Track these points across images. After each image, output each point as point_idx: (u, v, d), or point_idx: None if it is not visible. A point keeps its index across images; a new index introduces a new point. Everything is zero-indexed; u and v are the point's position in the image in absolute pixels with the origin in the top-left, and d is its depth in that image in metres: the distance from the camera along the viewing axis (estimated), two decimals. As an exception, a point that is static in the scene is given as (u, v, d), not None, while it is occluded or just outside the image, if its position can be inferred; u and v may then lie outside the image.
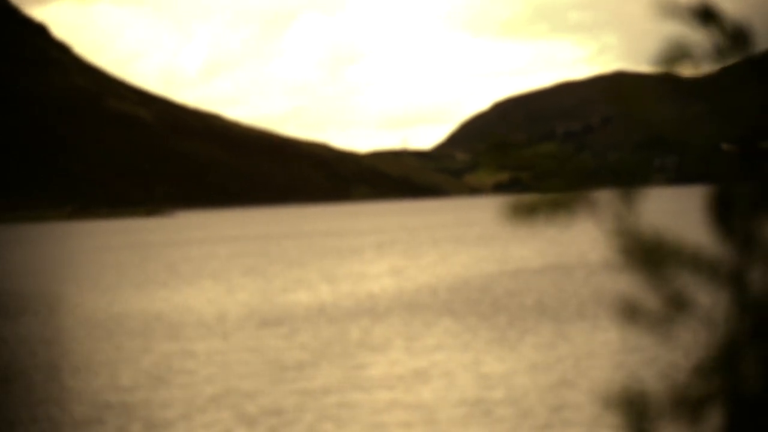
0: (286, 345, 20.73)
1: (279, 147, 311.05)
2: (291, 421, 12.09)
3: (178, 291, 36.36)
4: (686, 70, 1.95)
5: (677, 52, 1.93)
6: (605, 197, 2.04)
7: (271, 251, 64.88)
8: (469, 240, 66.11)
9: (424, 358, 17.48)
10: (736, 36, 1.91)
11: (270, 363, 17.64)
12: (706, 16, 1.92)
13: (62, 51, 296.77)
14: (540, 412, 11.42)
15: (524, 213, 2.02)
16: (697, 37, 1.92)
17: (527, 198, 2.03)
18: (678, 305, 2.05)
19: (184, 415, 12.88)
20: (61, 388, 16.30)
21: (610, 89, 2.01)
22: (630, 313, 2.10)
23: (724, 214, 1.97)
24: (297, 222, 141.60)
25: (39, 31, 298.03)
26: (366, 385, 14.99)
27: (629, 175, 2.02)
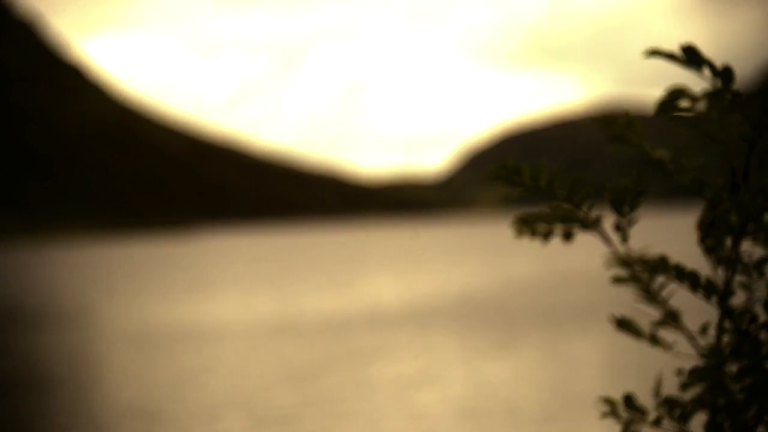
0: (299, 354, 20.72)
1: (296, 171, 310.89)
2: (300, 428, 12.07)
3: (202, 303, 36.38)
4: (684, 109, 1.99)
5: (677, 97, 1.97)
6: (603, 215, 2.08)
7: (288, 265, 64.90)
8: (474, 253, 66.07)
9: (427, 367, 17.42)
10: (723, 76, 1.95)
11: (283, 371, 17.62)
12: (693, 60, 1.97)
13: (95, 87, 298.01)
14: (538, 420, 11.39)
15: (527, 226, 2.06)
16: (691, 78, 1.96)
17: (530, 213, 2.07)
18: (668, 319, 2.08)
19: (201, 422, 12.86)
20: (87, 398, 16.31)
21: (605, 123, 2.05)
22: (624, 324, 2.13)
23: (713, 236, 2.01)
24: (312, 238, 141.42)
25: (74, 69, 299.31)
26: (372, 394, 14.94)
27: (623, 198, 2.06)
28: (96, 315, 34.70)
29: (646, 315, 2.18)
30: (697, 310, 2.18)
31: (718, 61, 1.95)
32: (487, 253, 65.64)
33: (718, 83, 1.96)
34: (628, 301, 2.27)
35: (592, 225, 2.07)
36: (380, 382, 15.72)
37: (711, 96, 1.94)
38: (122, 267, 76.48)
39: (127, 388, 16.63)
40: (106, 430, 13.23)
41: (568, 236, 2.05)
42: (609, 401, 2.10)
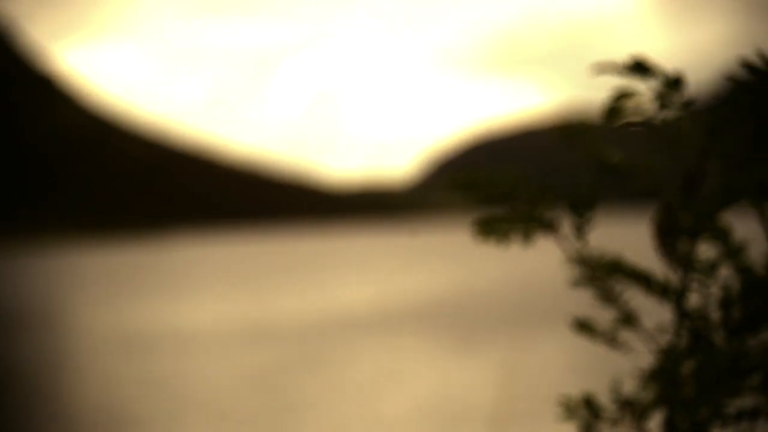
0: (270, 357, 20.69)
1: (268, 177, 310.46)
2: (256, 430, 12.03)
3: (176, 307, 36.28)
4: (632, 116, 2.00)
5: (622, 99, 1.98)
6: (562, 219, 2.08)
7: (260, 269, 64.79)
8: (442, 258, 66.17)
9: (394, 370, 17.42)
10: (671, 83, 1.96)
11: (253, 375, 17.58)
12: (641, 70, 1.98)
13: (69, 96, 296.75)
14: (503, 421, 11.41)
15: (487, 230, 2.06)
16: (640, 86, 1.97)
17: (490, 217, 2.07)
18: (626, 320, 2.09)
19: (167, 424, 12.81)
20: (58, 400, 16.23)
21: (563, 130, 2.05)
22: (583, 326, 2.13)
23: (667, 239, 2.02)
24: (284, 242, 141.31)
25: (47, 78, 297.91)
26: (339, 397, 14.91)
27: (581, 201, 2.06)
28: (71, 319, 34.51)
29: (608, 317, 2.19)
30: (659, 312, 2.18)
31: (680, 71, 1.96)
32: (454, 257, 65.77)
33: (670, 90, 1.97)
34: (590, 303, 2.28)
35: (550, 227, 2.07)
36: (348, 385, 15.71)
37: (659, 98, 1.95)
38: (98, 273, 76.17)
39: (98, 391, 16.55)
40: (73, 430, 13.17)
41: (527, 238, 2.05)
42: (568, 402, 2.10)
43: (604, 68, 1.99)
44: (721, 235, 2.01)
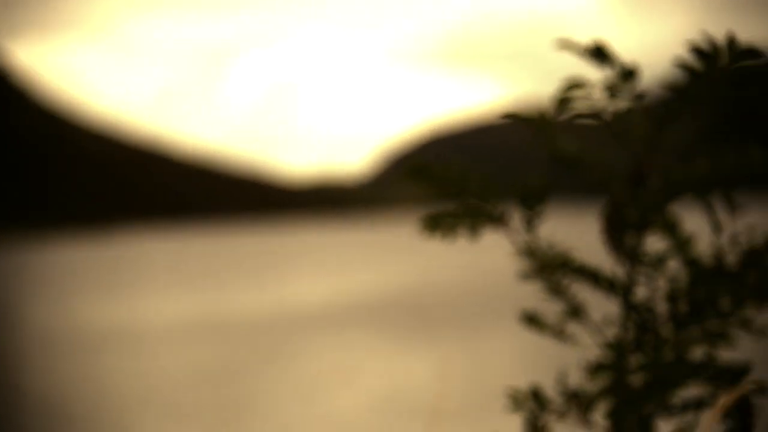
0: (219, 354, 20.61)
1: (221, 172, 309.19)
2: (213, 429, 11.99)
3: (124, 304, 36.03)
4: (583, 105, 2.00)
5: (573, 89, 1.98)
6: (511, 212, 2.08)
7: (212, 265, 64.55)
8: (395, 253, 66.22)
9: (345, 366, 17.41)
10: (625, 74, 1.97)
11: (201, 372, 17.50)
12: (600, 55, 1.98)
13: (19, 92, 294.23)
14: (453, 415, 11.44)
15: (433, 225, 2.06)
16: (595, 74, 1.98)
17: (437, 211, 2.07)
18: (573, 313, 2.09)
19: (111, 420, 12.73)
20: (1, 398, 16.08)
21: (519, 122, 2.06)
22: (531, 320, 2.14)
23: (615, 232, 2.02)
24: (236, 238, 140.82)
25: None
26: (289, 393, 14.88)
27: (531, 194, 2.07)
28: (22, 317, 34.21)
29: (556, 310, 2.19)
30: (607, 305, 2.19)
31: (635, 62, 1.97)
32: (408, 253, 65.82)
33: (623, 80, 1.97)
34: (539, 297, 2.28)
35: (499, 220, 2.07)
36: (298, 381, 15.69)
37: (611, 89, 1.95)
38: (51, 270, 75.53)
39: (46, 388, 16.42)
40: (17, 428, 13.05)
41: (474, 232, 2.05)
42: (515, 394, 2.11)
43: (565, 45, 1.99)
44: (668, 228, 2.02)
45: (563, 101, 1.99)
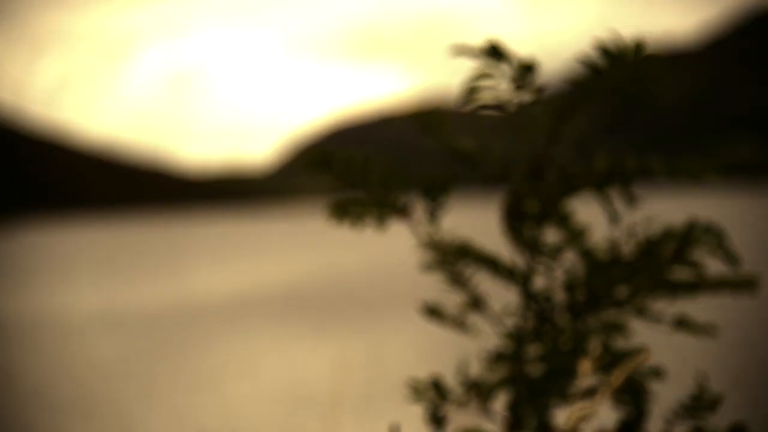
0: (119, 346, 20.39)
1: (121, 163, 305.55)
2: (110, 422, 11.86)
3: (24, 297, 35.45)
4: (486, 102, 2.03)
5: (476, 87, 2.01)
6: (415, 204, 2.10)
7: (113, 258, 63.76)
8: (300, 244, 66.04)
9: (247, 357, 17.33)
10: (524, 70, 2.00)
11: (100, 364, 17.30)
12: (496, 55, 2.01)
13: None
14: (355, 406, 11.45)
15: (340, 214, 2.06)
16: (495, 71, 2.00)
17: (344, 200, 2.08)
18: (474, 303, 2.11)
19: (2, 412, 12.53)
20: None
21: (416, 118, 2.07)
22: (432, 311, 2.16)
23: (515, 223, 2.05)
24: (138, 230, 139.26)
25: None
26: (190, 385, 14.77)
27: (433, 186, 2.09)
28: None
29: (458, 301, 2.21)
30: (507, 296, 2.22)
31: (533, 57, 1.99)
32: (312, 244, 65.72)
33: (525, 78, 2.00)
34: (441, 288, 2.30)
35: (403, 211, 2.08)
36: (199, 372, 15.60)
37: (512, 84, 1.98)
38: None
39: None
40: None
41: (380, 222, 2.06)
42: (416, 384, 2.12)
43: (460, 50, 2.01)
44: (565, 220, 2.06)
45: (469, 92, 2.01)
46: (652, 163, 1.98)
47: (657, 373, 2.05)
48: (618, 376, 1.95)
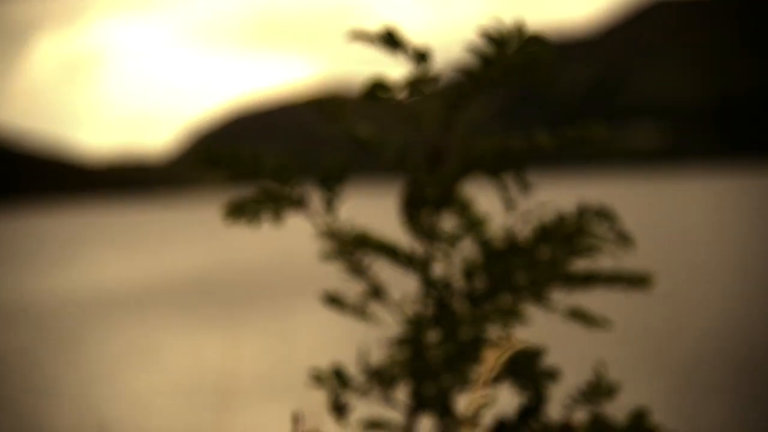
0: (13, 338, 20.08)
1: (15, 151, 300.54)
2: (5, 415, 11.68)
3: None
4: (385, 94, 2.04)
5: (378, 85, 2.01)
6: (312, 194, 2.10)
7: (6, 248, 62.67)
8: (198, 234, 65.59)
9: (146, 348, 17.18)
10: (418, 57, 2.01)
11: None
12: (391, 42, 2.02)
13: None
14: (257, 395, 11.43)
15: (237, 213, 2.06)
16: (390, 60, 2.01)
17: (240, 197, 2.07)
18: (374, 292, 2.12)
19: None
20: None
21: (318, 108, 2.07)
22: (333, 300, 2.16)
23: (412, 211, 2.06)
24: (32, 220, 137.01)
25: None
26: (87, 376, 14.60)
27: (330, 175, 2.09)
28: None
29: (358, 290, 2.22)
30: (408, 284, 2.23)
31: (427, 46, 2.00)
32: (212, 234, 65.31)
33: (419, 66, 2.01)
34: (343, 277, 2.31)
35: (299, 203, 2.08)
36: (100, 363, 15.42)
37: (409, 83, 1.99)
38: None
39: None
40: None
41: (277, 217, 2.06)
42: (318, 372, 2.12)
43: (356, 36, 2.01)
44: (462, 207, 2.07)
45: (369, 94, 2.02)
46: (540, 137, 2.01)
47: (552, 374, 2.07)
48: (493, 363, 1.97)
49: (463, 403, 2.09)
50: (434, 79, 1.99)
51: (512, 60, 1.96)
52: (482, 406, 2.04)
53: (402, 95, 2.01)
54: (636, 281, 2.06)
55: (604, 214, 2.02)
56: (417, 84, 2.00)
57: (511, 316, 2.03)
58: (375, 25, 2.00)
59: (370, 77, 2.01)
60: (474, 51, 1.97)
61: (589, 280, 2.04)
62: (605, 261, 2.08)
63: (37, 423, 11.27)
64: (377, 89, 2.01)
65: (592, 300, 2.23)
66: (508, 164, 2.00)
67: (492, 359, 1.93)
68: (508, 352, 1.85)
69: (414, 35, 2.00)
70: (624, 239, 2.03)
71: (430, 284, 2.08)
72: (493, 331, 2.04)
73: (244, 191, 2.07)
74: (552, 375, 2.06)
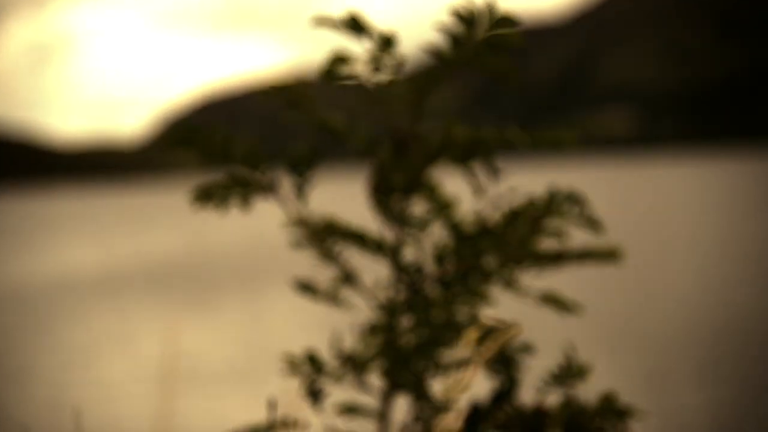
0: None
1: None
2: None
3: None
4: (348, 76, 2.03)
5: (338, 61, 2.01)
6: (281, 180, 2.10)
7: (-21, 234, 62.32)
8: (171, 219, 65.42)
9: (119, 333, 17.14)
10: (383, 42, 2.00)
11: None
12: (356, 27, 2.01)
13: None
14: (231, 381, 11.43)
15: (204, 197, 2.05)
16: (356, 45, 2.00)
17: (208, 182, 2.07)
18: (346, 278, 2.12)
19: None
20: None
21: (280, 94, 2.06)
22: (305, 287, 2.16)
23: (381, 197, 2.06)
24: (4, 204, 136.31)
25: None
26: (60, 362, 14.55)
27: (300, 161, 2.08)
28: None
29: (325, 276, 2.22)
30: (380, 269, 2.23)
31: (393, 31, 2.00)
32: (183, 219, 65.12)
33: (382, 50, 2.01)
34: (314, 263, 2.31)
35: (269, 188, 2.08)
36: (70, 349, 15.38)
37: (373, 59, 1.99)
38: None
39: None
40: None
41: (246, 202, 2.05)
42: (292, 358, 2.13)
43: (320, 22, 2.01)
44: (431, 192, 2.08)
45: (330, 71, 2.02)
46: (513, 133, 2.01)
47: (527, 348, 2.09)
48: (489, 349, 1.98)
49: (438, 386, 2.10)
50: (399, 62, 1.99)
51: (483, 42, 1.96)
52: (458, 391, 2.05)
53: (365, 72, 2.01)
54: (605, 256, 2.07)
55: (573, 199, 2.03)
56: (379, 60, 1.99)
57: (479, 298, 2.03)
58: (340, 11, 2.00)
59: (330, 52, 2.01)
60: (444, 31, 1.97)
61: (558, 258, 2.05)
62: (575, 241, 2.09)
63: (10, 407, 11.23)
64: (337, 64, 2.00)
65: (562, 282, 2.24)
66: (477, 153, 2.01)
67: (471, 341, 1.94)
68: (497, 334, 1.86)
69: (382, 22, 2.00)
70: (593, 223, 2.04)
71: (401, 269, 2.08)
72: (463, 314, 2.05)
73: (214, 176, 2.07)
74: (527, 349, 2.07)
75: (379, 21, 1.99)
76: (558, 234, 2.03)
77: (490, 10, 1.96)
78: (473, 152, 2.00)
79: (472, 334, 1.98)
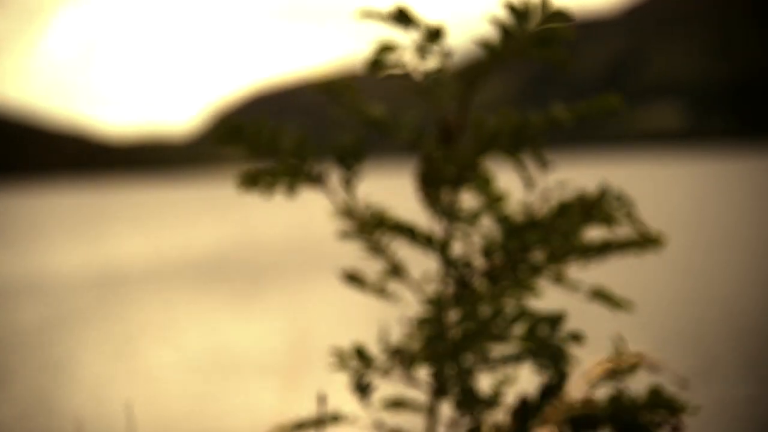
0: (34, 314, 20.19)
1: (40, 129, 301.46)
2: (21, 393, 11.74)
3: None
4: (394, 68, 2.02)
5: (384, 51, 2.00)
6: (330, 172, 2.09)
7: (33, 224, 63.05)
8: (221, 212, 65.82)
9: (166, 325, 17.30)
10: (432, 34, 1.99)
11: (11, 333, 17.11)
12: (403, 19, 2.00)
13: None
14: (275, 374, 11.47)
15: (250, 182, 2.05)
16: (402, 37, 1.99)
17: (255, 168, 2.07)
18: (394, 271, 2.12)
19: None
20: None
21: (324, 88, 2.06)
22: (353, 278, 2.15)
23: (430, 190, 2.05)
24: (58, 197, 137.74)
25: None
26: (105, 354, 14.70)
27: (347, 153, 2.08)
28: None
29: (378, 269, 2.21)
30: (428, 262, 2.21)
31: (441, 22, 1.99)
32: (232, 211, 65.50)
33: (430, 41, 2.00)
34: (361, 256, 2.30)
35: (317, 180, 2.07)
36: (115, 340, 15.50)
37: (420, 50, 1.98)
38: None
39: None
40: None
41: (292, 190, 2.05)
42: (340, 352, 2.12)
43: (367, 15, 2.00)
44: (481, 185, 2.06)
45: (375, 63, 2.01)
46: (557, 110, 2.00)
47: (576, 337, 2.07)
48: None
49: (487, 382, 2.08)
50: (447, 52, 1.98)
51: (534, 35, 1.94)
52: (505, 385, 2.03)
53: (412, 62, 1.99)
54: (647, 243, 2.05)
55: (622, 200, 2.02)
56: (426, 49, 1.98)
57: (526, 290, 2.02)
58: (388, 4, 1.99)
59: (377, 42, 2.00)
60: (495, 23, 1.96)
61: (604, 249, 2.03)
62: (618, 231, 2.07)
63: (62, 400, 11.33)
64: (384, 53, 1.99)
65: (608, 275, 2.21)
66: (525, 141, 1.99)
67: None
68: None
69: (431, 16, 1.97)
70: (638, 225, 2.02)
71: (449, 263, 2.07)
72: (509, 306, 2.04)
73: (258, 165, 2.07)
74: (577, 338, 2.05)
75: (427, 15, 1.98)
76: (608, 221, 2.01)
77: (544, 2, 1.95)
78: (522, 140, 1.98)
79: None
